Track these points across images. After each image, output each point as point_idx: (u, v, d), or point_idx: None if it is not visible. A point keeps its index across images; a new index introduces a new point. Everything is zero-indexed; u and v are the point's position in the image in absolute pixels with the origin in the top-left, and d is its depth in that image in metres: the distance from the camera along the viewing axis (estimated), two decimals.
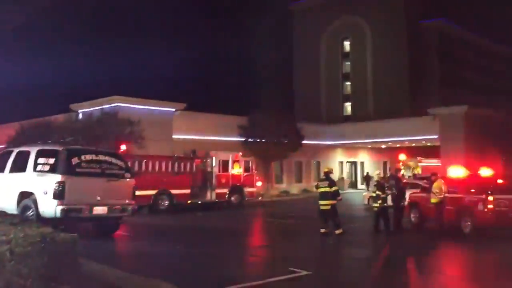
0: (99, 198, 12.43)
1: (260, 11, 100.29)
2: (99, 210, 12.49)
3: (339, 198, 14.34)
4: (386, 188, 15.48)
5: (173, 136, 29.76)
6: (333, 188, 14.06)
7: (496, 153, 33.99)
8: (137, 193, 14.89)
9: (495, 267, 10.82)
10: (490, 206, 13.55)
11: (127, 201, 13.14)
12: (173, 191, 21.95)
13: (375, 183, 15.99)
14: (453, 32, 55.99)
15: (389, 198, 15.72)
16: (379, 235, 14.89)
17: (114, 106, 26.79)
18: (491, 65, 62.14)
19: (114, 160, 13.09)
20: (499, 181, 14.72)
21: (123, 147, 21.93)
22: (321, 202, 14.08)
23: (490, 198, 13.59)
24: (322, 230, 13.90)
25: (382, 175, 37.92)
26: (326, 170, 14.98)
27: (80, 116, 27.93)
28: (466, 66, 57.02)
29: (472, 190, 14.37)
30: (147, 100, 29.36)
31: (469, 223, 14.07)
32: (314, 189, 38.07)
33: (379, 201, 15.21)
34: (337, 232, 13.85)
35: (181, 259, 10.89)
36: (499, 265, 10.95)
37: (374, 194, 15.53)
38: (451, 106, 36.28)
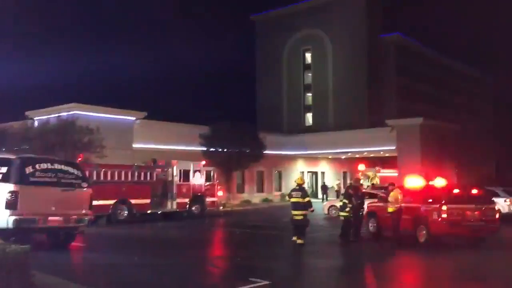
0: (54, 208, 12.06)
1: (222, 22, 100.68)
2: (54, 220, 12.11)
3: (311, 209, 14.60)
4: (352, 198, 15.66)
5: (134, 145, 29.33)
6: (306, 199, 14.28)
7: (451, 163, 35.24)
8: (95, 203, 14.57)
9: (449, 274, 11.14)
10: (444, 216, 13.97)
11: (83, 211, 12.81)
12: (133, 201, 21.54)
13: (342, 193, 16.20)
14: (410, 46, 57.81)
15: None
16: (340, 244, 15.07)
17: (72, 113, 26.16)
18: (446, 78, 64.43)
19: (70, 169, 12.75)
20: (454, 191, 15.19)
21: (81, 156, 21.40)
22: (294, 212, 14.24)
23: (444, 207, 14.01)
24: (293, 239, 14.09)
25: (342, 185, 38.84)
26: (299, 181, 15.07)
27: (36, 123, 27.09)
28: (422, 79, 58.91)
29: (428, 200, 14.77)
30: (107, 108, 28.86)
31: (424, 232, 14.45)
32: (275, 199, 38.42)
33: (347, 209, 15.40)
34: (300, 241, 14.00)
35: (138, 271, 10.68)
36: (452, 273, 11.30)
37: (341, 203, 15.66)
38: (407, 118, 37.42)
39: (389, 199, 15.26)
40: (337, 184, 40.31)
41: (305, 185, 41.77)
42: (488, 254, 13.43)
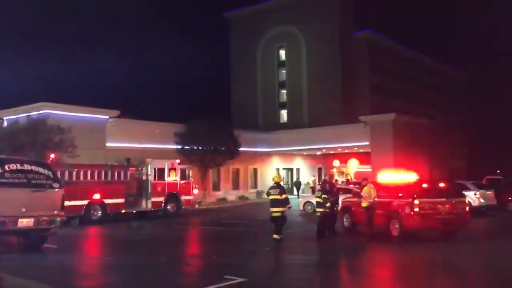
0: (24, 209, 11.82)
1: (196, 20, 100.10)
2: (24, 222, 11.88)
3: (289, 206, 14.72)
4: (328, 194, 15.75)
5: (107, 144, 28.93)
6: (284, 196, 14.40)
7: (423, 157, 35.87)
8: (67, 203, 14.35)
9: (420, 267, 11.36)
10: (416, 210, 14.23)
11: (55, 212, 12.58)
12: (106, 201, 21.26)
13: (319, 188, 16.23)
14: (382, 43, 58.52)
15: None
16: (316, 240, 15.18)
17: (43, 113, 25.63)
18: (418, 74, 65.50)
19: (41, 170, 12.51)
20: (426, 185, 15.46)
21: (52, 156, 20.99)
22: (273, 209, 14.37)
23: (416, 201, 14.27)
24: (274, 236, 14.14)
25: (317, 181, 39.14)
26: (276, 178, 15.22)
27: (5, 123, 26.43)
28: (395, 75, 59.74)
29: (400, 195, 15.02)
30: (79, 107, 28.37)
31: (397, 226, 14.69)
32: (251, 196, 38.44)
33: (327, 205, 15.50)
34: (275, 237, 14.10)
35: (112, 272, 10.56)
36: (424, 266, 11.52)
37: (319, 200, 15.73)
38: (380, 114, 37.92)
39: (362, 194, 15.48)
40: (312, 181, 40.63)
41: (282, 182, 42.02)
42: (459, 246, 13.73)
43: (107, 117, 29.53)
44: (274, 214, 14.30)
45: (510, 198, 24.71)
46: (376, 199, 15.30)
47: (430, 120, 42.42)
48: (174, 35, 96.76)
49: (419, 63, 66.39)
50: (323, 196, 15.62)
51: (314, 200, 24.26)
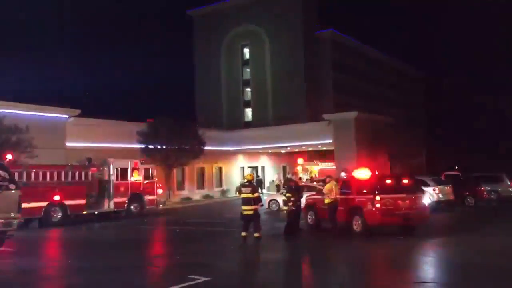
0: None
1: (159, 18, 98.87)
2: None
3: (261, 204, 14.85)
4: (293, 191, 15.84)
5: (67, 144, 28.19)
6: (256, 194, 14.48)
7: (384, 154, 36.67)
8: (25, 205, 13.96)
9: (383, 263, 11.60)
10: (378, 205, 14.52)
11: (12, 215, 12.18)
12: (67, 202, 20.72)
13: (285, 186, 16.30)
14: (345, 42, 59.44)
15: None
16: (282, 237, 15.26)
17: None
18: (380, 73, 66.89)
19: None
20: (387, 181, 15.78)
21: (8, 157, 20.25)
22: (244, 207, 14.37)
23: (378, 198, 14.56)
24: (243, 234, 14.15)
25: (281, 178, 39.39)
26: (248, 176, 15.28)
27: None
28: (357, 74, 60.81)
29: (363, 191, 15.29)
30: (37, 105, 27.48)
31: (359, 222, 14.96)
32: (216, 195, 38.35)
33: (290, 204, 15.60)
34: (256, 235, 14.19)
35: (72, 275, 10.30)
36: (386, 261, 11.77)
37: (285, 198, 15.76)
38: (343, 112, 38.51)
39: (324, 191, 15.71)
40: (277, 179, 40.86)
41: (241, 181, 42.33)
42: (419, 241, 14.09)
43: (67, 116, 28.78)
44: (246, 212, 14.32)
45: (467, 194, 25.53)
46: (338, 195, 15.55)
47: (390, 117, 43.40)
48: (137, 33, 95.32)
49: (380, 62, 67.80)
50: (287, 195, 15.71)
51: (279, 198, 24.54)
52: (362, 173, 16.19)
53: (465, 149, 67.77)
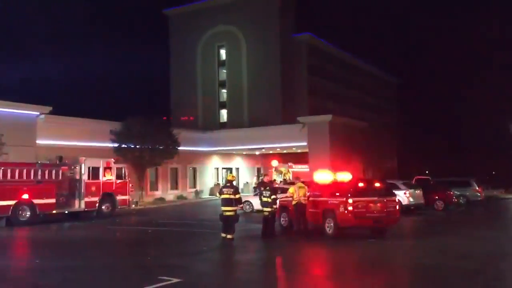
0: None
1: (137, 15, 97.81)
2: None
3: (241, 205, 14.93)
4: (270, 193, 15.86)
5: (38, 142, 27.59)
6: (237, 195, 14.44)
7: (358, 158, 37.14)
8: None
9: (353, 264, 11.74)
10: (350, 208, 14.69)
11: None
12: (36, 201, 20.25)
13: (267, 188, 16.22)
14: (321, 46, 59.91)
15: (258, 203, 16.30)
16: (255, 239, 15.27)
17: None
18: (354, 78, 67.65)
19: None
20: (359, 184, 15.99)
21: None
22: (225, 208, 14.33)
23: (350, 200, 14.74)
24: (224, 235, 14.17)
25: (256, 180, 39.44)
26: (230, 177, 15.31)
27: None
28: (332, 78, 61.37)
29: (335, 194, 15.45)
30: (6, 102, 26.75)
31: (332, 224, 15.11)
32: (190, 196, 38.06)
33: (274, 206, 15.62)
34: (229, 237, 14.17)
35: (39, 275, 10.08)
36: (356, 262, 11.91)
37: (267, 199, 15.63)
38: (317, 115, 38.82)
39: (288, 193, 15.94)
40: (254, 181, 40.90)
41: (215, 181, 42.05)
42: (390, 243, 14.31)
43: (37, 113, 28.17)
44: (227, 213, 14.29)
45: (437, 198, 26.08)
46: (303, 197, 15.75)
47: (364, 122, 43.98)
48: (113, 32, 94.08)
49: (356, 67, 68.60)
50: (273, 196, 15.69)
51: (253, 200, 24.56)
52: (322, 176, 16.45)
53: (435, 155, 69.25)
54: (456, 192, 27.57)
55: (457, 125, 78.84)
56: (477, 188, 29.46)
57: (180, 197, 37.03)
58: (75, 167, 22.67)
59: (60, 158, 22.77)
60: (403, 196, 22.93)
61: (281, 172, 37.85)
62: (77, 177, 22.55)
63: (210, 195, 39.70)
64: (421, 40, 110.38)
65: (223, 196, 14.50)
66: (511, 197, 38.14)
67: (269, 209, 15.57)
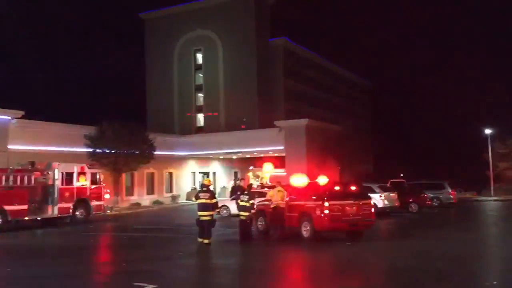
0: None
1: (113, 18, 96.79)
2: None
3: (218, 210, 14.96)
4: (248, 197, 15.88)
5: (9, 147, 27.03)
6: (213, 200, 14.43)
7: (334, 161, 37.45)
8: None
9: (329, 267, 11.82)
10: (326, 211, 14.78)
11: None
12: (7, 207, 19.76)
13: (246, 192, 16.22)
14: (297, 51, 60.36)
15: (235, 207, 16.31)
16: (233, 243, 15.23)
17: None
18: (330, 82, 68.34)
19: None
20: (335, 188, 16.12)
21: None
22: (202, 213, 14.30)
23: (326, 204, 14.83)
24: (200, 240, 14.13)
25: (234, 184, 39.35)
26: (206, 182, 15.23)
27: None
28: (308, 82, 61.85)
29: (312, 197, 15.53)
30: None
31: (308, 227, 15.17)
32: (166, 201, 37.73)
33: (252, 210, 15.64)
34: (206, 241, 14.15)
35: (12, 284, 9.84)
36: (332, 265, 12.00)
37: (245, 204, 15.59)
38: (294, 119, 39.03)
39: (266, 197, 15.99)
40: (231, 185, 40.74)
41: (192, 186, 41.73)
42: (365, 246, 14.46)
43: (9, 117, 27.60)
44: (204, 218, 14.26)
45: (411, 200, 26.48)
46: (279, 202, 15.88)
47: (340, 126, 44.43)
48: (88, 34, 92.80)
49: (331, 72, 69.33)
50: (252, 201, 15.68)
51: (230, 204, 24.50)
52: (299, 180, 16.57)
53: (409, 158, 70.37)
54: (430, 194, 28.05)
55: (431, 128, 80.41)
56: (450, 191, 30.04)
57: (156, 202, 36.70)
58: (48, 173, 22.24)
59: (33, 164, 22.32)
60: (378, 199, 23.20)
61: (258, 176, 37.91)
62: (50, 182, 22.12)
63: (186, 199, 39.46)
64: (397, 46, 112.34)
65: (199, 201, 14.45)
66: (483, 199, 39.00)
67: (246, 214, 15.55)
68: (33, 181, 21.41)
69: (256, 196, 18.77)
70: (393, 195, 25.03)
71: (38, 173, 22.01)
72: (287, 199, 16.27)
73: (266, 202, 17.06)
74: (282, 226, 16.02)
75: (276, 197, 16.08)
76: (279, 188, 16.38)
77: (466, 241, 15.48)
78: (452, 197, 29.94)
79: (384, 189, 25.07)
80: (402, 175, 49.26)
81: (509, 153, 42.14)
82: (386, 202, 24.02)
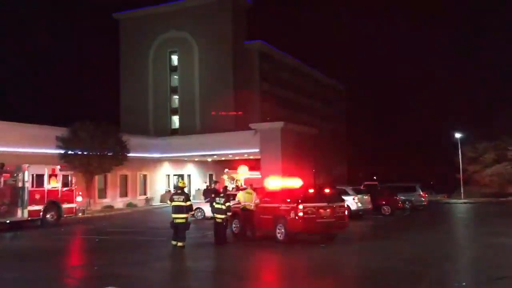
0: None
1: (88, 16, 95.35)
2: None
3: (192, 212, 14.86)
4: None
5: None
6: (188, 203, 14.33)
7: (308, 164, 37.71)
8: None
9: (302, 269, 11.87)
10: (301, 214, 14.85)
11: None
12: None
13: (221, 195, 16.16)
14: (272, 54, 60.59)
15: (210, 210, 16.29)
16: (216, 246, 15.14)
17: None
18: (305, 85, 68.84)
19: None
20: (309, 190, 16.21)
21: None
22: (176, 215, 14.19)
23: (301, 206, 14.90)
24: (174, 243, 14.03)
25: (209, 186, 39.18)
26: (181, 184, 15.13)
27: None
28: (284, 85, 62.16)
29: (286, 200, 15.59)
30: None
31: (283, 230, 15.21)
32: (140, 204, 37.30)
33: (228, 213, 15.62)
34: (180, 244, 14.03)
35: None
36: (306, 267, 12.06)
37: (221, 206, 15.54)
38: (269, 122, 39.11)
39: (236, 199, 16.12)
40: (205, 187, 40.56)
41: (166, 188, 41.28)
42: (339, 248, 14.59)
43: None
44: (178, 221, 14.16)
45: (384, 203, 26.84)
46: (246, 203, 16.08)
47: (315, 129, 44.76)
48: (61, 33, 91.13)
49: (306, 75, 69.84)
50: (227, 204, 15.63)
51: (204, 207, 24.38)
52: (274, 182, 16.68)
53: (382, 160, 71.43)
54: (402, 197, 28.48)
55: (404, 132, 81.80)
56: (421, 193, 30.54)
57: (130, 205, 36.20)
58: (17, 174, 21.71)
59: (1, 165, 21.75)
60: (352, 201, 23.43)
61: (233, 179, 37.86)
62: (20, 184, 21.61)
63: (161, 202, 39.06)
64: (369, 49, 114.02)
65: (174, 203, 14.35)
66: (453, 201, 39.84)
67: (222, 216, 15.51)
68: (2, 183, 20.92)
69: (231, 198, 18.77)
70: (366, 197, 25.33)
71: (8, 174, 21.48)
72: (257, 201, 16.32)
73: (238, 205, 17.06)
74: (252, 228, 16.09)
75: (244, 198, 16.18)
76: (248, 189, 16.46)
77: (437, 243, 15.77)
78: (423, 199, 30.45)
79: (357, 192, 25.34)
80: (375, 177, 49.96)
81: (478, 157, 43.17)
82: (359, 204, 24.28)
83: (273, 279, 11.07)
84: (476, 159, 43.31)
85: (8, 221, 21.11)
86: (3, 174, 21.23)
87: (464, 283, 9.73)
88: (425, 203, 30.64)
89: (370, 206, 25.27)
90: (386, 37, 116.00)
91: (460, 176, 42.80)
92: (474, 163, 43.44)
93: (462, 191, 42.39)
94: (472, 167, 43.41)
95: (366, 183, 31.54)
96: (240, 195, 16.48)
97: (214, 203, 15.93)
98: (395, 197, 27.57)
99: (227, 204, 15.64)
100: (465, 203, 38.39)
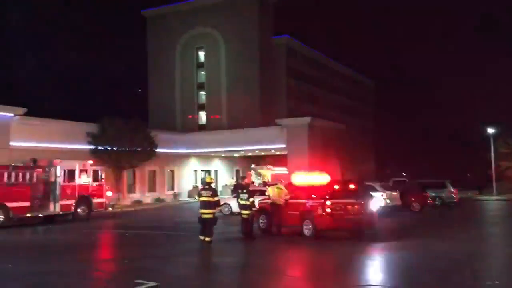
0: None
1: (115, 15, 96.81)
2: None
3: (220, 208, 15.02)
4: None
5: (11, 144, 26.98)
6: (216, 198, 14.41)
7: (336, 160, 37.40)
8: None
9: (332, 265, 11.78)
10: (328, 210, 14.75)
11: None
12: (9, 204, 19.81)
13: (245, 190, 16.22)
14: (299, 49, 60.23)
15: (237, 205, 16.33)
16: (245, 242, 15.20)
17: None
18: (332, 80, 68.23)
19: None
20: (337, 186, 16.07)
21: None
22: (204, 211, 14.27)
23: (328, 202, 14.80)
24: (202, 238, 14.11)
25: (234, 182, 39.34)
26: (208, 180, 15.22)
27: None
28: (310, 80, 61.76)
29: (313, 196, 15.50)
30: None
31: (310, 226, 15.14)
32: (168, 199, 37.69)
33: (253, 208, 15.68)
34: (208, 239, 14.13)
35: (13, 280, 9.83)
36: (335, 264, 11.96)
37: (245, 202, 15.59)
38: (296, 118, 38.93)
39: (266, 194, 16.08)
40: (232, 183, 40.78)
41: (194, 184, 41.66)
42: (367, 245, 14.39)
43: (11, 114, 27.56)
44: (205, 216, 14.23)
45: (413, 199, 26.43)
46: (275, 198, 15.99)
47: (342, 124, 44.36)
48: (90, 31, 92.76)
49: (334, 70, 69.18)
50: (251, 199, 15.68)
51: (231, 202, 24.48)
52: (301, 178, 16.57)
53: (412, 156, 70.24)
54: (432, 193, 27.98)
55: (434, 127, 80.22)
56: (452, 190, 29.95)
57: (157, 200, 36.69)
58: (50, 170, 22.26)
59: (34, 161, 22.34)
60: (380, 198, 23.15)
61: (260, 174, 37.87)
62: (52, 179, 22.15)
63: (188, 197, 39.44)
64: (399, 44, 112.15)
65: (201, 199, 14.44)
66: (484, 198, 38.92)
67: (248, 212, 15.55)
68: (35, 178, 21.45)
69: (257, 194, 18.81)
70: (395, 194, 25.00)
71: (40, 170, 22.04)
72: (287, 196, 16.22)
73: (267, 200, 17.05)
74: (278, 224, 16.05)
75: (273, 194, 16.11)
76: (278, 185, 16.39)
77: (468, 240, 15.43)
78: (454, 196, 29.86)
79: (386, 188, 25.03)
80: (404, 174, 49.23)
81: (511, 152, 42.06)
82: (388, 201, 23.99)
83: (300, 275, 11.03)
84: (509, 154, 42.20)
85: (41, 215, 21.67)
86: (36, 170, 21.79)
87: (497, 282, 9.49)
88: (456, 200, 30.05)
89: (399, 202, 24.93)
90: (418, 31, 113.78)
91: (493, 172, 41.77)
92: (507, 158, 42.34)
93: (494, 187, 41.37)
94: (505, 163, 42.32)
95: (394, 179, 31.12)
96: (270, 190, 16.43)
97: (238, 199, 16.00)
98: (424, 194, 27.11)
99: (251, 199, 15.66)
100: (497, 200, 37.47)
